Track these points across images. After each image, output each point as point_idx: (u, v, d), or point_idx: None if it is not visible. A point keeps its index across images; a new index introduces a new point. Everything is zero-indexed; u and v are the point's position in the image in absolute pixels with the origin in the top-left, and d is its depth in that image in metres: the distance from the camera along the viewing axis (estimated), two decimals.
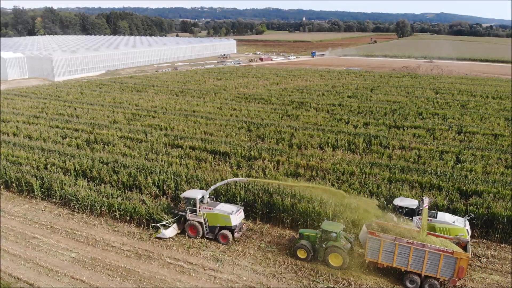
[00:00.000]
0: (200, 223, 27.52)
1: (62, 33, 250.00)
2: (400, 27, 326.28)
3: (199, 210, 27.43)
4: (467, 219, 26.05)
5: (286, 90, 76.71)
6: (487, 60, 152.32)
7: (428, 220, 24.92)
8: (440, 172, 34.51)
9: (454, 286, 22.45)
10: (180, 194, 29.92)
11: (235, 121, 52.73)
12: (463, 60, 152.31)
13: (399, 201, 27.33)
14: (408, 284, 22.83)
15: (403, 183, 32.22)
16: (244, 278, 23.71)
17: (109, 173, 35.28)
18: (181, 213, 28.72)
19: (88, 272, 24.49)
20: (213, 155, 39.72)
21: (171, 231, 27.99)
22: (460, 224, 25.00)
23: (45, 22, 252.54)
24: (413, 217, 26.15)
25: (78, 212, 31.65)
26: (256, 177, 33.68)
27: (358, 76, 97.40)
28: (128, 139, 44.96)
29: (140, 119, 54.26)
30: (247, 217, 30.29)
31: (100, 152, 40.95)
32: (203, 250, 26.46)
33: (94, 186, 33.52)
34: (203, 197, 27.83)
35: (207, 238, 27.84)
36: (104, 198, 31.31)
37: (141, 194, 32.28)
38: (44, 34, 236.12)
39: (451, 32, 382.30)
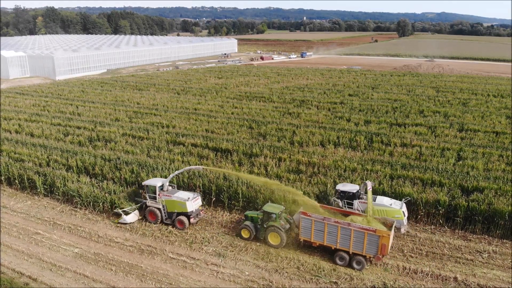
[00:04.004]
0: (159, 209, 29.05)
1: (63, 32, 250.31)
2: (401, 26, 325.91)
3: (159, 197, 28.81)
4: (404, 202, 27.81)
5: (287, 88, 76.75)
6: (488, 59, 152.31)
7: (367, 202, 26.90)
8: (442, 169, 34.53)
9: (379, 263, 24.09)
10: (142, 182, 31.34)
11: (237, 119, 52.80)
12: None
13: (341, 187, 29.05)
14: (338, 261, 24.39)
15: (405, 180, 32.25)
16: (247, 273, 23.81)
17: (111, 170, 35.39)
18: (143, 200, 30.05)
19: (91, 267, 24.62)
20: (215, 152, 39.79)
21: (132, 217, 29.54)
22: (396, 207, 26.78)
23: (46, 22, 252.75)
24: (354, 201, 27.93)
25: (80, 209, 31.80)
26: (258, 174, 33.84)
27: (359, 74, 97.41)
28: (130, 137, 45.04)
29: (141, 117, 54.33)
30: None
31: (102, 149, 41.05)
32: (206, 246, 26.58)
33: (97, 183, 33.65)
34: (163, 185, 29.28)
35: (165, 224, 29.13)
36: (106, 195, 31.47)
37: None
38: (45, 34, 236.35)
39: (452, 32, 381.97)
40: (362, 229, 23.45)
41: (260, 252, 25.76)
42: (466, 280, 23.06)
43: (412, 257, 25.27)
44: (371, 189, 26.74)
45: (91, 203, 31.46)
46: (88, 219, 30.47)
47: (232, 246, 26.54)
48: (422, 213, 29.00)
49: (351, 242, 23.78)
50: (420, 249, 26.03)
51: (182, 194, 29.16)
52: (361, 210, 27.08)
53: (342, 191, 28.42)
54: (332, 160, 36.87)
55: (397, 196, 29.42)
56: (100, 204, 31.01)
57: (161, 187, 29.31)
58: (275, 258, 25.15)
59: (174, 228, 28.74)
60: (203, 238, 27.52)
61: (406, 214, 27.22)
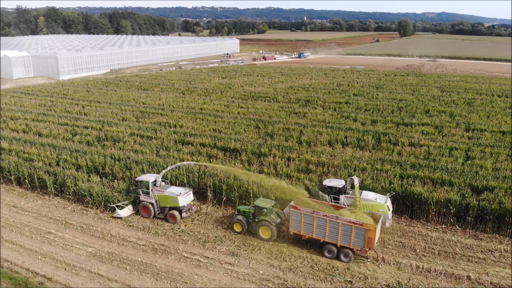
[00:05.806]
0: (152, 204, 29.75)
1: (64, 32, 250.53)
2: (402, 26, 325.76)
3: (152, 192, 29.50)
4: (389, 197, 28.43)
5: (291, 88, 76.84)
6: (490, 59, 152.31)
7: (354, 197, 27.67)
8: (451, 168, 34.62)
9: (366, 256, 24.65)
10: (136, 178, 31.97)
11: (243, 118, 52.90)
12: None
13: (327, 182, 29.73)
14: (326, 254, 25.11)
15: (415, 179, 32.32)
16: (261, 272, 23.91)
17: (122, 169, 35.50)
18: (137, 195, 30.73)
19: (106, 266, 24.73)
20: (224, 152, 39.89)
21: (126, 211, 30.32)
22: (381, 201, 27.50)
23: (47, 22, 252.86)
24: (340, 196, 28.66)
25: (92, 208, 31.93)
26: (268, 173, 33.97)
27: (363, 74, 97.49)
28: (138, 136, 45.17)
29: (148, 116, 54.43)
30: None
31: (111, 149, 41.16)
32: (219, 245, 26.69)
33: (107, 182, 33.76)
34: (155, 180, 29.97)
35: (158, 218, 29.84)
36: (117, 194, 31.60)
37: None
38: (47, 33, 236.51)
39: (453, 32, 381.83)
40: (349, 222, 24.04)
41: (273, 251, 25.87)
42: (479, 279, 23.16)
43: (424, 256, 25.39)
44: (358, 185, 27.42)
45: (102, 203, 31.58)
46: (100, 219, 30.59)
47: (245, 245, 26.66)
48: (433, 212, 29.12)
49: (339, 235, 24.40)
50: (433, 248, 26.14)
51: (174, 189, 29.87)
52: (347, 205, 27.80)
53: (328, 186, 29.11)
54: (341, 159, 36.97)
55: (408, 195, 29.57)
56: (112, 203, 31.11)
57: (154, 183, 30.07)
58: (288, 257, 25.26)
59: (186, 227, 28.89)
60: (216, 237, 27.63)
61: (391, 209, 27.93)
